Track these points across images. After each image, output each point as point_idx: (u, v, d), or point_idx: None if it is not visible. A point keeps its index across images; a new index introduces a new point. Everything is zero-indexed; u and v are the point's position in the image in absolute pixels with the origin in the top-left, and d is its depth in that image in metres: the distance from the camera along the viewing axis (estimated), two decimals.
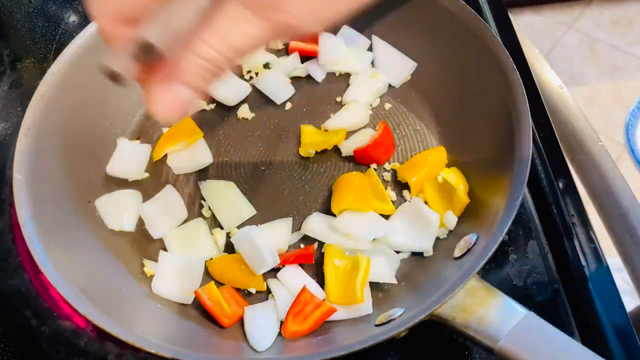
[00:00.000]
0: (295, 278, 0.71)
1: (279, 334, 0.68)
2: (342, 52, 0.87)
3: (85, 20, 0.98)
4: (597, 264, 0.70)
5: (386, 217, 0.74)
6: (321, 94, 0.87)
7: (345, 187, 0.75)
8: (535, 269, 0.71)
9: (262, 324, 0.68)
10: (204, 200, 0.79)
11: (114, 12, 0.47)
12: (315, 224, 0.74)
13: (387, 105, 0.85)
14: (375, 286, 0.70)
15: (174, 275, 0.72)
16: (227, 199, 0.78)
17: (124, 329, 0.61)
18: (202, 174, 0.82)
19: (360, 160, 0.80)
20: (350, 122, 0.82)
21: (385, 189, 0.77)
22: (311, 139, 0.82)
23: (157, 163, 0.83)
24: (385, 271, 0.70)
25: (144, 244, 0.76)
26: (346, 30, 0.89)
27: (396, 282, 0.70)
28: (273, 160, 0.82)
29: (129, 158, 0.81)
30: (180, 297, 0.71)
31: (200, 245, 0.75)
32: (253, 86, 0.88)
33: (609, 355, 0.64)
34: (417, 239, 0.72)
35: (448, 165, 0.77)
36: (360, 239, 0.71)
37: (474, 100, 0.77)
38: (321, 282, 0.71)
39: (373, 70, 0.86)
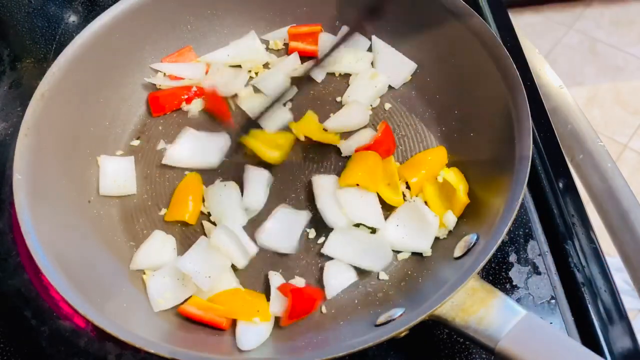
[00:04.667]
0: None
1: (279, 331, 0.68)
2: (342, 52, 0.87)
3: (85, 20, 0.98)
4: (597, 264, 0.70)
5: (391, 209, 0.74)
6: (321, 94, 0.87)
7: (359, 162, 0.76)
8: (535, 269, 0.71)
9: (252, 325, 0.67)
10: (204, 201, 0.78)
11: None
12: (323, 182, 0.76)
13: (387, 106, 0.85)
14: (375, 286, 0.70)
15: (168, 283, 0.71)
16: (228, 199, 0.78)
17: (123, 329, 0.61)
18: (203, 173, 0.81)
19: None
20: (350, 122, 0.82)
21: None
22: (309, 126, 0.81)
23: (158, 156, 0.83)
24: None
25: None
26: (346, 30, 0.89)
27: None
28: None
29: (115, 175, 0.79)
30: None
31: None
32: (253, 86, 0.88)
33: (608, 355, 0.64)
34: (417, 239, 0.72)
35: (448, 165, 0.77)
36: (351, 218, 0.72)
37: (474, 100, 0.77)
38: (320, 282, 0.71)
39: (373, 70, 0.86)
